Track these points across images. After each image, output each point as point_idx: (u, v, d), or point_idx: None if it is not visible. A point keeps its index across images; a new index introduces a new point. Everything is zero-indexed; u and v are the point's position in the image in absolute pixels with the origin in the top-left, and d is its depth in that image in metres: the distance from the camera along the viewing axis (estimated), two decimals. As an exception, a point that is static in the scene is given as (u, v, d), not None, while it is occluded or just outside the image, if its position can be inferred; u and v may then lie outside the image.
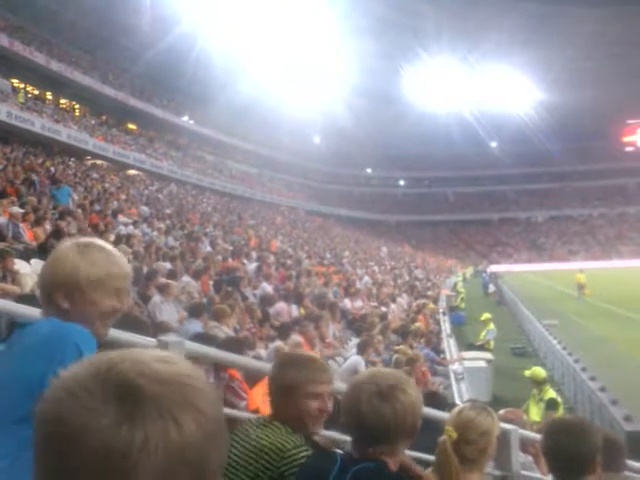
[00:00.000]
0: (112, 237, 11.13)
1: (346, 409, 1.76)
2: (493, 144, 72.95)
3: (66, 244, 1.61)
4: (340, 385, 3.05)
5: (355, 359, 7.34)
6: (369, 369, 1.82)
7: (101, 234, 10.91)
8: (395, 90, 62.84)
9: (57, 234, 8.26)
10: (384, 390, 1.70)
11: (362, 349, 7.57)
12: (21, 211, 9.82)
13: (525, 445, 4.11)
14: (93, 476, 0.58)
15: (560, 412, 7.35)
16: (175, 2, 42.12)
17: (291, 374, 1.99)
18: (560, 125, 63.14)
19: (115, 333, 2.46)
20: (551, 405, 7.31)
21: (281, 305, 9.74)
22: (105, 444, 0.58)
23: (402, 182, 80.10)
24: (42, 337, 1.47)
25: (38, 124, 30.46)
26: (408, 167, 75.82)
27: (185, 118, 52.49)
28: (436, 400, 4.82)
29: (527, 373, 7.82)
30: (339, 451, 2.14)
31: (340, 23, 50.27)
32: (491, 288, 31.47)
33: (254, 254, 16.25)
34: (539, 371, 7.91)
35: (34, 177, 15.33)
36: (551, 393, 7.60)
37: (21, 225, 9.08)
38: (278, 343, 6.52)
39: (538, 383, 7.59)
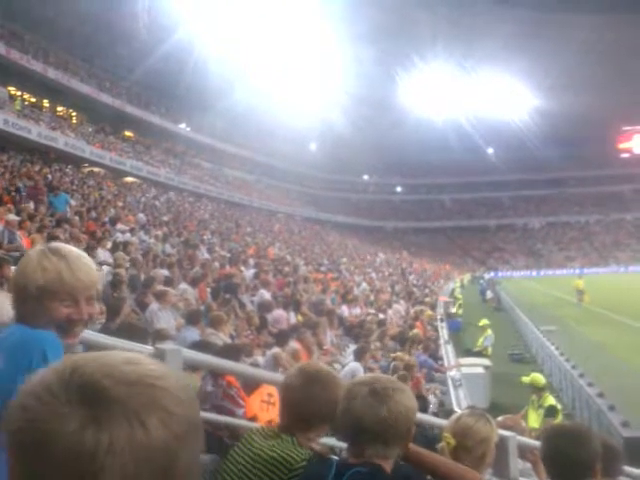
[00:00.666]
0: (109, 244, 11.11)
1: (341, 409, 1.75)
2: (490, 150, 73.12)
3: (35, 249, 1.62)
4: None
5: (353, 366, 7.33)
6: (365, 374, 1.82)
7: (98, 241, 10.90)
8: (392, 97, 63.03)
9: (52, 242, 8.22)
10: (379, 390, 1.70)
11: (359, 356, 7.57)
12: (17, 218, 9.80)
13: (524, 452, 4.09)
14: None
15: (559, 419, 7.33)
16: (172, 10, 42.22)
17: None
18: (556, 131, 63.35)
19: (111, 341, 2.45)
20: (550, 412, 7.28)
21: (279, 312, 9.73)
22: (71, 448, 0.58)
23: (399, 189, 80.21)
24: (10, 343, 1.48)
25: (35, 132, 30.46)
26: (405, 174, 75.95)
27: (182, 125, 52.52)
28: (420, 404, 4.80)
29: (526, 379, 7.77)
30: (335, 457, 2.13)
31: (336, 30, 50.46)
32: (489, 294, 31.48)
33: (251, 261, 16.24)
34: (539, 377, 7.87)
35: (19, 184, 15.30)
36: (550, 400, 7.57)
37: (17, 232, 9.05)
38: (276, 350, 6.50)
39: (538, 390, 7.56)
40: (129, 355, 0.67)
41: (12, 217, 9.63)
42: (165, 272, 9.84)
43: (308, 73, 55.70)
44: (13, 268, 6.91)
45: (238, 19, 46.89)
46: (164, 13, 41.37)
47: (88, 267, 1.63)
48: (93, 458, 0.58)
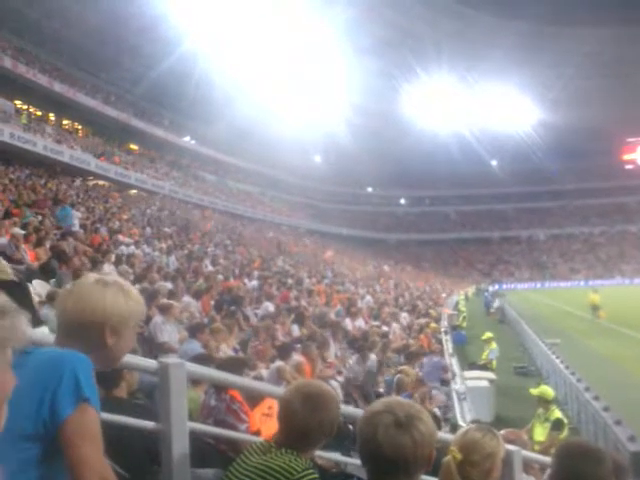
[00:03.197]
0: (113, 257, 11.14)
1: (362, 439, 1.68)
2: (493, 163, 73.20)
3: (89, 280, 1.66)
4: (345, 408, 3.03)
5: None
6: (384, 398, 1.77)
7: (103, 254, 10.93)
8: (395, 109, 63.27)
9: (58, 255, 8.26)
10: (402, 420, 1.63)
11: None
12: (22, 232, 9.84)
13: (527, 466, 4.07)
14: None
15: (565, 433, 7.28)
16: (177, 24, 42.59)
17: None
18: (560, 143, 63.45)
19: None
20: (557, 425, 7.22)
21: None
22: None
23: (403, 201, 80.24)
24: (39, 361, 1.47)
25: (41, 145, 30.69)
26: (409, 186, 76.00)
27: (187, 138, 52.80)
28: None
29: (534, 392, 7.68)
30: (353, 475, 2.12)
31: (341, 44, 50.78)
32: (493, 307, 31.34)
33: (256, 273, 16.25)
34: (548, 390, 7.80)
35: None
36: (557, 413, 7.51)
37: (22, 246, 9.08)
38: (280, 363, 6.48)
39: (546, 402, 7.49)
40: None
41: (17, 231, 9.68)
42: (169, 285, 9.86)
43: (312, 86, 55.98)
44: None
45: (242, 33, 47.23)
46: (169, 27, 41.74)
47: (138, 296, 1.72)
48: None
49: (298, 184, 66.24)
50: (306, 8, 46.68)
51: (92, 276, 1.70)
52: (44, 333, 1.74)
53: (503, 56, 53.75)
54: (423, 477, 2.77)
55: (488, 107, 64.15)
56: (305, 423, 2.03)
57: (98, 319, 1.59)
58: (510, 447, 3.44)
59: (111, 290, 1.63)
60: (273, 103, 53.79)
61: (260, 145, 56.51)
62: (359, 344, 9.86)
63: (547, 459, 4.79)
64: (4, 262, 5.33)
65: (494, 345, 15.65)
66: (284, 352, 7.07)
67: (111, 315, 1.60)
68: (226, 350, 6.51)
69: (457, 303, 31.10)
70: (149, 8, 39.69)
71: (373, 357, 8.66)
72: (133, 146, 47.18)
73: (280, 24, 48.35)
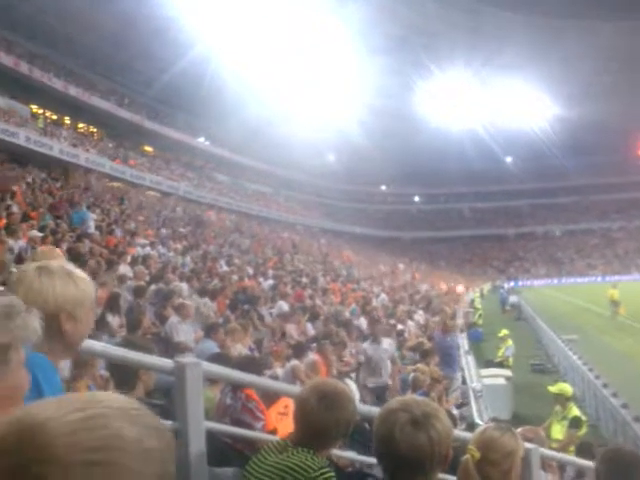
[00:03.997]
0: (129, 258, 11.24)
1: (378, 437, 1.68)
2: (508, 159, 72.69)
3: (33, 270, 1.61)
4: (362, 407, 3.04)
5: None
6: (400, 397, 1.76)
7: (119, 256, 11.03)
8: (409, 107, 62.98)
9: (75, 257, 8.35)
10: (419, 418, 1.63)
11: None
12: (40, 235, 9.95)
13: (545, 464, 4.05)
14: None
15: (584, 431, 7.22)
16: (189, 26, 42.77)
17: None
18: (575, 139, 62.84)
19: (130, 354, 2.48)
20: (575, 423, 7.15)
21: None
22: None
23: (417, 198, 79.96)
24: None
25: (57, 148, 31.02)
26: (423, 183, 75.69)
27: (201, 139, 53.05)
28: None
29: (552, 389, 7.60)
30: (372, 473, 2.12)
31: (354, 43, 50.68)
32: (509, 304, 31.15)
33: (270, 272, 16.30)
34: (566, 387, 7.73)
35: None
36: (575, 411, 7.43)
37: (39, 249, 9.17)
38: (294, 362, 6.49)
39: (565, 399, 7.42)
40: (83, 417, 0.58)
41: (35, 233, 9.80)
42: (184, 285, 9.93)
43: (325, 84, 55.95)
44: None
45: (255, 32, 47.31)
46: (181, 29, 41.93)
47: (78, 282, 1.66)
48: None
49: (311, 183, 66.30)
50: (318, 8, 46.64)
51: (34, 265, 1.65)
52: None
53: (518, 51, 53.27)
54: (442, 476, 2.79)
55: (502, 103, 63.67)
56: (321, 422, 2.05)
57: (51, 309, 1.55)
58: (528, 445, 3.43)
59: (58, 277, 1.60)
60: (286, 103, 53.83)
61: (273, 145, 56.59)
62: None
63: (565, 457, 4.77)
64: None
65: (510, 342, 15.59)
66: (299, 351, 7.09)
67: (64, 303, 1.57)
68: (241, 350, 6.54)
69: (472, 300, 30.96)
70: (162, 11, 39.87)
71: (388, 341, 8.49)
72: (148, 148, 47.50)
73: (292, 24, 48.37)
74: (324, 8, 46.75)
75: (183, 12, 41.97)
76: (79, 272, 1.67)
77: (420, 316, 17.13)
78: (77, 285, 1.61)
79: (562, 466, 5.10)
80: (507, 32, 52.58)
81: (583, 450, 5.92)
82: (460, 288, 33.98)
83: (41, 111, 38.20)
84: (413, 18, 50.27)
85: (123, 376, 3.13)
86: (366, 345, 8.02)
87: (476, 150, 63.59)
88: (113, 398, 0.63)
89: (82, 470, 0.54)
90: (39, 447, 0.54)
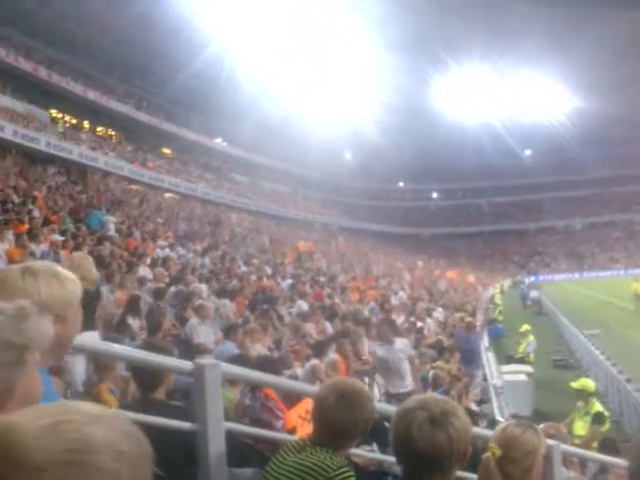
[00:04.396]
0: (149, 260, 11.34)
1: (396, 436, 1.68)
2: (527, 152, 71.94)
3: (16, 273, 1.56)
4: (380, 406, 3.06)
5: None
6: (418, 395, 1.77)
7: (139, 258, 11.14)
8: (425, 102, 62.65)
9: (96, 260, 8.45)
10: (437, 416, 1.62)
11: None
12: (61, 239, 10.09)
13: (567, 460, 4.03)
14: None
15: (607, 426, 7.15)
16: (204, 26, 42.97)
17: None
18: (595, 131, 61.99)
19: (150, 357, 2.52)
20: (598, 419, 7.08)
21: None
22: None
23: (435, 194, 79.54)
24: None
25: (76, 152, 31.40)
26: (440, 179, 75.27)
27: (218, 140, 53.30)
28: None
29: (575, 385, 7.53)
30: (391, 472, 2.14)
31: (370, 39, 50.52)
32: (530, 299, 30.85)
33: (289, 268, 16.34)
34: (589, 383, 7.66)
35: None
36: (598, 406, 7.36)
37: (61, 252, 9.32)
38: (315, 362, 6.50)
39: (587, 395, 7.35)
40: (53, 422, 0.60)
41: (56, 237, 9.94)
42: (204, 286, 10.00)
43: (340, 82, 55.87)
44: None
45: (270, 30, 47.39)
46: (196, 30, 42.15)
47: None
48: None
49: (329, 181, 66.30)
50: (334, 5, 46.58)
51: (17, 268, 1.59)
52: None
53: (536, 44, 52.56)
54: (464, 474, 2.79)
55: (520, 96, 63.01)
56: (339, 421, 2.06)
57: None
58: (549, 441, 3.41)
59: (43, 278, 1.54)
60: (302, 101, 53.87)
61: (290, 144, 56.65)
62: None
63: (587, 453, 4.73)
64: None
65: (531, 338, 15.44)
66: (319, 350, 7.10)
67: (51, 304, 1.51)
68: (261, 350, 6.58)
69: (493, 296, 30.73)
70: (176, 13, 40.14)
71: (403, 341, 8.08)
72: (166, 150, 47.87)
73: (308, 22, 48.35)
74: (340, 5, 46.67)
75: (197, 13, 42.20)
76: (66, 272, 1.63)
77: (439, 313, 17.07)
78: (64, 286, 1.57)
79: (584, 462, 5.07)
80: (524, 24, 51.97)
81: (606, 446, 5.87)
82: (471, 278, 33.70)
83: (60, 115, 38.70)
84: (430, 12, 49.92)
85: (146, 378, 3.18)
86: (376, 346, 7.80)
87: (494, 144, 63.04)
88: (85, 406, 0.64)
89: (53, 471, 0.55)
90: (9, 449, 0.56)
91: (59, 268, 1.62)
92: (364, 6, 47.15)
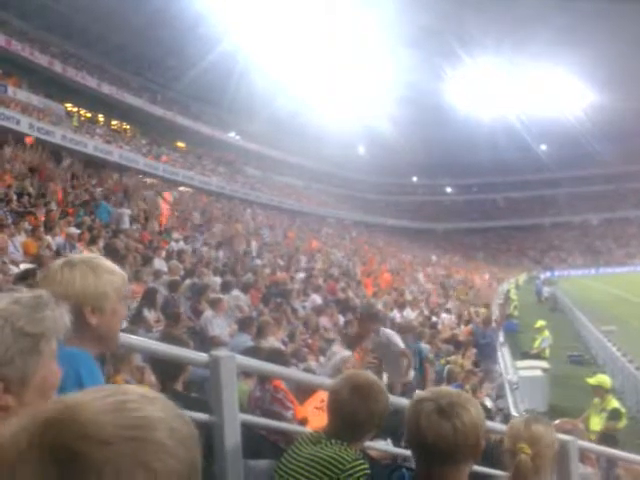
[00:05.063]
0: (163, 253, 11.39)
1: (407, 426, 1.71)
2: (542, 147, 71.27)
3: (56, 266, 1.63)
4: (395, 399, 3.04)
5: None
6: (430, 388, 1.78)
7: (153, 250, 11.20)
8: (439, 96, 62.30)
9: (112, 253, 8.50)
10: (444, 407, 1.64)
11: None
12: (77, 231, 10.16)
13: (583, 456, 3.99)
14: None
15: (623, 423, 7.10)
16: (218, 21, 43.00)
17: None
18: (612, 126, 61.28)
19: (166, 349, 2.53)
20: (614, 415, 7.05)
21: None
22: None
23: (449, 189, 79.15)
24: None
25: (91, 145, 31.61)
26: (455, 174, 74.90)
27: (232, 134, 53.39)
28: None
29: (591, 381, 7.49)
30: (406, 465, 2.13)
31: (383, 34, 50.28)
32: (545, 294, 30.65)
33: (303, 258, 16.31)
34: (605, 379, 7.62)
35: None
36: (614, 402, 7.32)
37: (77, 245, 9.39)
38: (347, 353, 6.41)
39: (604, 391, 7.30)
40: (115, 400, 0.62)
41: (73, 230, 10.01)
42: (218, 279, 10.03)
43: (354, 77, 55.70)
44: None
45: (284, 25, 47.33)
46: (210, 24, 42.18)
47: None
48: None
49: (342, 176, 66.19)
50: (348, 1, 46.41)
51: (59, 261, 1.66)
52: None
53: (553, 37, 51.99)
54: (478, 468, 2.76)
55: (536, 90, 62.42)
56: (354, 414, 2.06)
57: (73, 303, 1.52)
58: (566, 437, 3.38)
59: (79, 270, 1.59)
60: (315, 95, 53.79)
61: (304, 138, 56.65)
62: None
63: (603, 449, 4.69)
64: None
65: (546, 333, 15.36)
66: (354, 344, 6.99)
67: (85, 295, 1.57)
68: (274, 343, 6.58)
69: (508, 291, 30.56)
70: (191, 8, 40.22)
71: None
72: (180, 143, 48.05)
73: (320, 15, 48.22)
74: (353, 0, 46.47)
75: (212, 7, 42.23)
76: (106, 264, 1.66)
77: (455, 308, 17.01)
78: (99, 277, 1.60)
79: (599, 458, 5.03)
80: (540, 17, 51.41)
81: (606, 439, 5.86)
82: (477, 279, 33.52)
83: (75, 109, 38.96)
84: (444, 7, 49.53)
85: (168, 369, 3.20)
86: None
87: (509, 139, 62.61)
88: (137, 389, 0.67)
89: (119, 446, 0.57)
90: (79, 425, 0.58)
91: (100, 260, 1.67)
92: (378, 1, 46.92)
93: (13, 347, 1.02)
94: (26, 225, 10.01)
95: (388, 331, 6.79)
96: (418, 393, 1.79)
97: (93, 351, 1.60)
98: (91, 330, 1.58)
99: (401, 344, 6.60)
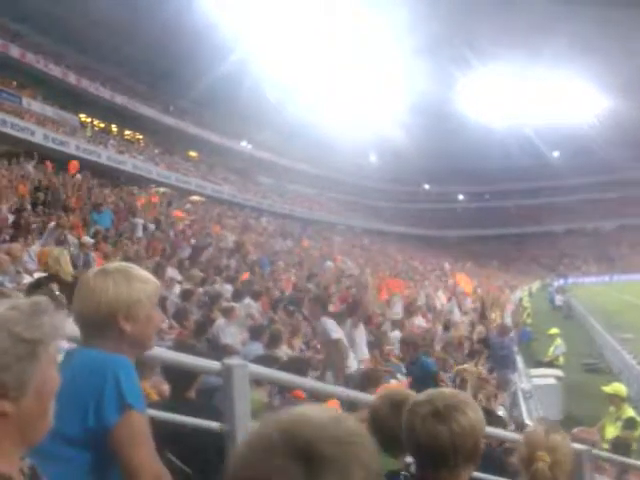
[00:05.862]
0: (176, 262, 11.45)
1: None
2: (555, 154, 70.90)
3: (90, 275, 1.69)
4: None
5: None
6: (428, 390, 1.78)
7: (167, 259, 11.26)
8: (451, 104, 62.27)
9: (125, 261, 8.55)
10: (441, 410, 1.63)
11: None
12: (92, 241, 10.24)
13: (599, 466, 3.95)
14: None
15: (639, 431, 7.01)
16: (228, 30, 43.32)
17: None
18: (625, 131, 60.82)
19: (179, 357, 2.55)
20: (630, 424, 6.95)
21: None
22: None
23: (461, 197, 78.90)
24: (84, 368, 1.55)
25: (104, 156, 31.91)
26: (467, 182, 74.70)
27: (243, 143, 53.64)
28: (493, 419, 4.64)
29: (607, 389, 7.41)
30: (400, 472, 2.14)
31: (395, 42, 50.38)
32: (558, 301, 30.40)
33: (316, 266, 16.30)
34: (621, 387, 7.54)
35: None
36: (630, 411, 7.23)
37: (92, 254, 9.45)
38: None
39: (620, 400, 7.22)
40: (331, 415, 0.75)
41: (87, 239, 10.08)
42: (230, 287, 10.05)
43: (366, 85, 55.82)
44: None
45: (293, 34, 47.59)
46: (220, 35, 42.51)
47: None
48: None
49: (354, 184, 66.19)
50: (358, 8, 46.56)
51: (93, 269, 1.73)
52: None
53: (566, 43, 51.77)
54: (480, 475, 2.74)
55: (549, 97, 62.16)
56: (391, 428, 2.08)
57: (106, 311, 1.61)
58: (579, 446, 3.35)
59: (112, 278, 1.64)
60: (326, 103, 53.95)
61: (315, 146, 56.76)
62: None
63: (618, 458, 4.65)
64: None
65: (559, 341, 15.25)
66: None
67: (118, 303, 1.62)
68: (287, 351, 6.59)
69: (521, 299, 30.36)
70: (202, 19, 40.60)
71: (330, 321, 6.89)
72: (192, 153, 48.35)
73: (331, 24, 48.41)
74: (365, 9, 46.63)
75: (223, 17, 42.58)
76: (139, 273, 1.71)
77: (468, 316, 16.89)
78: (131, 285, 1.65)
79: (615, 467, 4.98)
80: (552, 24, 51.27)
81: (619, 446, 5.80)
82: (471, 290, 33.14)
83: (89, 120, 39.37)
84: (456, 14, 49.58)
85: (184, 377, 3.22)
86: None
87: (521, 146, 62.36)
88: (320, 407, 0.80)
89: (347, 447, 0.71)
90: (317, 428, 0.71)
91: (133, 269, 1.72)
92: (390, 9, 47.02)
93: (10, 353, 1.02)
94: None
95: (326, 320, 6.58)
96: (417, 395, 1.78)
97: (131, 356, 1.65)
98: (126, 336, 1.63)
99: (335, 334, 6.34)
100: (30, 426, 1.06)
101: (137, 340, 1.67)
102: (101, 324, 1.62)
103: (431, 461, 1.64)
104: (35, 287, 5.28)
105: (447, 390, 1.84)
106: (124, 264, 1.78)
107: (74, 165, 19.33)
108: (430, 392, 1.76)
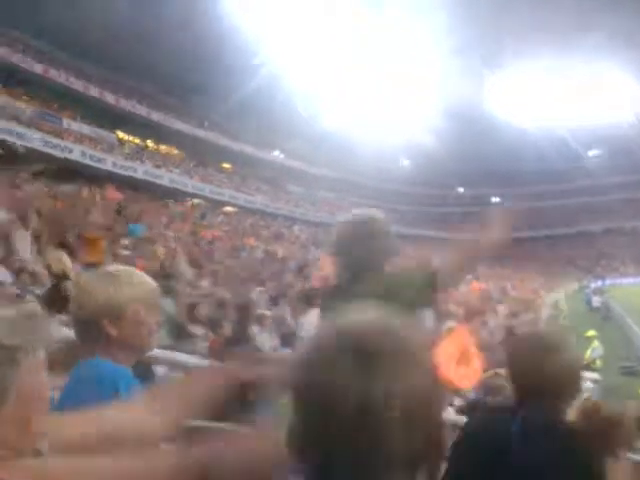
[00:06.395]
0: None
1: (508, 360, 1.81)
2: (592, 153, 69.48)
3: (82, 279, 1.72)
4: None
5: None
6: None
7: (200, 268, 11.61)
8: (482, 106, 61.62)
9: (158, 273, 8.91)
10: (548, 343, 1.74)
11: None
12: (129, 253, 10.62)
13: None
14: (349, 427, 0.74)
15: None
16: (258, 40, 43.76)
17: None
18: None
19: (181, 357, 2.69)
20: (666, 428, 6.91)
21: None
22: (353, 398, 0.73)
23: (495, 199, 77.90)
24: (83, 380, 1.54)
25: (141, 170, 32.71)
26: (501, 184, 73.77)
27: (276, 153, 54.10)
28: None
29: (645, 393, 7.39)
30: None
31: (425, 46, 50.23)
32: (595, 303, 29.84)
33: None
34: None
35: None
36: (666, 415, 7.17)
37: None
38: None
39: (658, 404, 7.14)
40: (381, 314, 0.82)
41: (125, 252, 10.47)
42: (263, 295, 10.28)
43: (396, 89, 55.69)
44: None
45: (323, 41, 47.81)
46: (251, 45, 43.02)
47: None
48: (367, 407, 0.72)
49: (386, 189, 66.05)
50: (389, 13, 46.65)
51: (88, 273, 1.75)
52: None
53: (604, 38, 50.48)
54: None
55: (585, 95, 60.78)
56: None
57: (89, 314, 1.59)
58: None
59: (101, 282, 1.62)
60: (357, 109, 53.97)
61: (345, 152, 56.75)
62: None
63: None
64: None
65: (597, 343, 15.04)
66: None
67: (102, 307, 1.58)
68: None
69: (557, 301, 29.92)
70: (233, 33, 41.16)
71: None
72: (226, 164, 49.03)
73: (361, 30, 48.50)
74: (395, 13, 46.68)
75: (254, 29, 43.09)
76: (131, 275, 1.67)
77: (502, 319, 16.80)
78: (118, 288, 1.61)
79: None
80: (589, 17, 50.06)
81: None
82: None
83: (126, 137, 40.36)
84: (487, 14, 49.07)
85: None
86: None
87: (557, 146, 61.23)
88: (373, 309, 0.88)
89: (396, 339, 0.79)
90: (354, 335, 0.79)
91: (126, 272, 1.68)
92: (421, 14, 46.93)
93: None
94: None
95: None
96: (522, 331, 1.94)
97: (125, 360, 1.62)
98: (113, 340, 1.60)
99: None
100: (11, 435, 0.98)
101: (127, 344, 1.62)
102: (88, 327, 1.60)
103: (533, 391, 1.74)
104: (53, 288, 5.26)
105: (550, 329, 2.01)
106: (121, 267, 1.73)
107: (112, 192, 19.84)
108: (537, 329, 1.92)
